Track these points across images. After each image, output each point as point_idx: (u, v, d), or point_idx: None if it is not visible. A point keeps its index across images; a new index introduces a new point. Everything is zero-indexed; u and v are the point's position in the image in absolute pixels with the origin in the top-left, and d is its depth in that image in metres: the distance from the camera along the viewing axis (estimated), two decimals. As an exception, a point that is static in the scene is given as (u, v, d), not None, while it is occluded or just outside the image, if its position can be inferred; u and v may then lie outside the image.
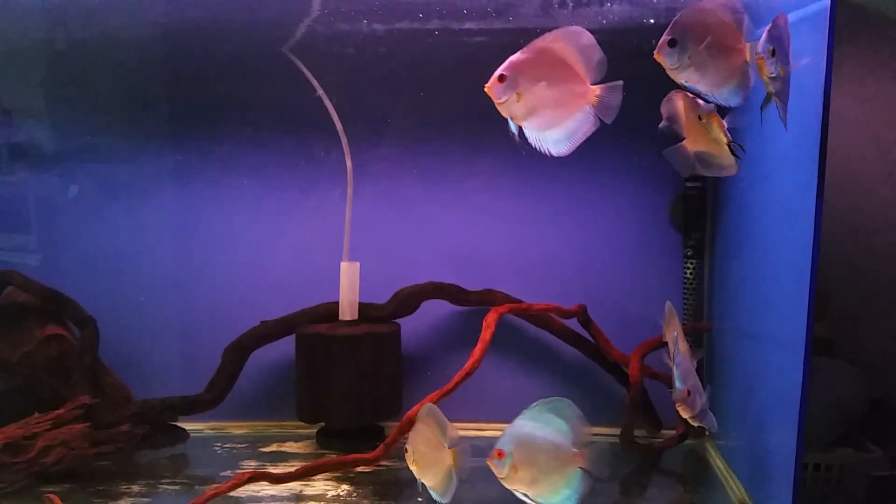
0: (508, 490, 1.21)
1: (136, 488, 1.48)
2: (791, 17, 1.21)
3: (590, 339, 1.72)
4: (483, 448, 1.74)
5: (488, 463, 1.19)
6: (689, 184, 1.72)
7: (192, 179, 1.82)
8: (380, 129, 1.77)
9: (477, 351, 1.50)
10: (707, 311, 1.74)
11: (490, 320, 1.54)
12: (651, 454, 1.62)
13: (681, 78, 1.11)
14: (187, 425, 1.71)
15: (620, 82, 1.13)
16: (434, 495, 1.26)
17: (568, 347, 1.77)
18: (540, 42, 1.13)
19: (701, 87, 1.12)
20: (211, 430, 1.80)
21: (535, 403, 1.21)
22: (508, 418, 1.90)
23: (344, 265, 1.72)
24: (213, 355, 1.73)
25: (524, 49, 1.13)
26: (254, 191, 1.81)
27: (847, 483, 1.45)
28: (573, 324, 1.73)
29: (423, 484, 1.27)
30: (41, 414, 1.57)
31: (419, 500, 1.39)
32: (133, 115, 1.82)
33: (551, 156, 1.15)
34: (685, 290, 1.74)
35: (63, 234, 1.83)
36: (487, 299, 1.74)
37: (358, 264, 1.73)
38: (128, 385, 1.75)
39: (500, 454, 1.17)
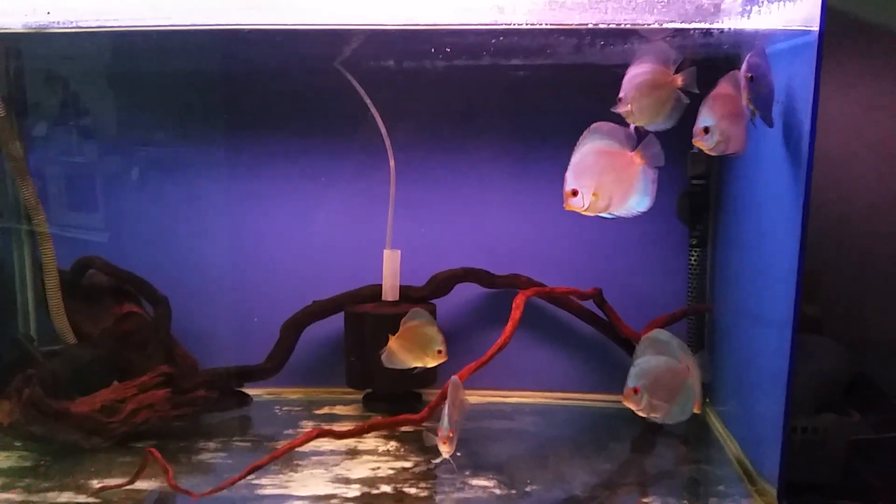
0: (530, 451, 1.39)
1: (212, 445, 1.69)
2: (782, 45, 1.40)
3: (604, 317, 1.90)
4: (508, 412, 1.99)
5: None
6: (694, 181, 1.87)
7: (249, 171, 1.97)
8: (421, 139, 1.93)
9: (508, 328, 1.69)
10: (709, 295, 1.91)
11: (519, 301, 1.73)
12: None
13: (717, 152, 1.33)
14: (248, 391, 1.91)
15: (652, 135, 1.32)
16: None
17: (584, 325, 1.95)
18: (581, 148, 1.32)
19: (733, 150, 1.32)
20: (269, 395, 1.98)
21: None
22: (531, 387, 2.13)
23: (387, 252, 1.89)
24: (266, 331, 1.91)
25: (574, 156, 1.33)
26: (307, 184, 1.98)
27: (830, 444, 1.59)
28: (589, 304, 1.91)
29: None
30: (121, 382, 1.78)
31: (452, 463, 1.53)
32: (195, 107, 1.96)
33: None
34: (690, 276, 1.92)
35: (131, 216, 1.99)
36: (513, 283, 1.91)
37: (399, 251, 1.89)
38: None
39: (637, 391, 1.37)
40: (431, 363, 1.54)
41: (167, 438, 1.70)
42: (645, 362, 1.39)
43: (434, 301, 1.94)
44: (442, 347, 1.53)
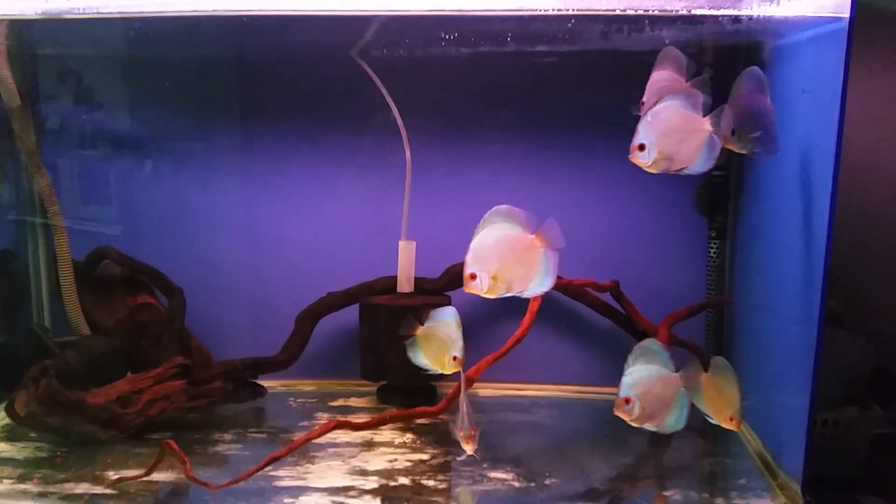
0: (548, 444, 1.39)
1: (227, 436, 1.69)
2: (811, 33, 1.38)
3: (620, 310, 1.88)
4: (525, 405, 1.97)
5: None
6: (714, 172, 1.85)
7: (264, 162, 1.97)
8: (436, 129, 1.91)
9: (526, 320, 1.68)
10: (728, 288, 1.89)
11: (537, 293, 1.72)
12: (676, 412, 1.82)
13: (655, 171, 1.31)
14: (263, 383, 1.90)
15: (552, 219, 1.33)
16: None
17: (600, 318, 1.93)
18: (481, 231, 1.33)
19: (674, 168, 1.31)
20: (282, 386, 1.98)
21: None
22: (548, 380, 2.11)
23: (402, 244, 1.88)
24: (278, 322, 1.90)
25: (474, 240, 1.33)
26: (321, 176, 1.97)
27: (852, 438, 1.59)
28: (606, 297, 1.89)
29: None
30: (134, 373, 1.77)
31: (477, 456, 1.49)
32: (210, 98, 1.95)
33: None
34: (709, 269, 1.90)
35: (145, 208, 1.99)
36: (529, 274, 1.92)
37: (414, 243, 1.88)
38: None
39: (628, 400, 1.37)
40: (447, 369, 1.48)
41: (182, 430, 1.70)
42: (636, 372, 1.38)
43: (449, 293, 1.92)
44: (459, 354, 1.48)
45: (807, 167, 1.42)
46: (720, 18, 1.34)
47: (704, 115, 1.30)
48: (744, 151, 1.35)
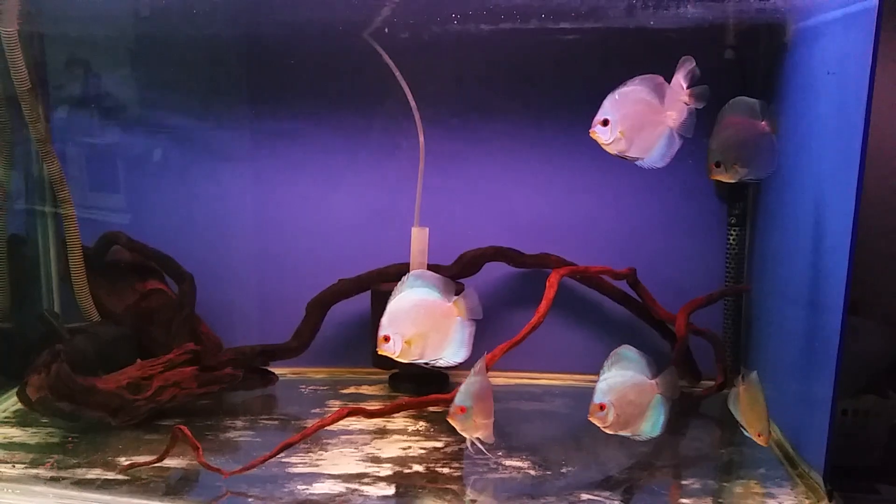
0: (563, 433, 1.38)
1: (239, 423, 1.67)
2: (838, 13, 1.34)
3: (637, 298, 1.86)
4: (538, 394, 1.95)
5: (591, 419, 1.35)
6: None
7: (274, 147, 1.94)
8: (450, 112, 1.88)
9: (542, 307, 1.65)
10: (747, 275, 1.87)
11: (553, 280, 1.69)
12: (693, 402, 1.80)
13: (613, 150, 1.30)
14: (273, 370, 1.88)
15: (471, 289, 1.37)
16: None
17: (615, 306, 1.91)
18: (399, 294, 1.34)
19: (630, 154, 1.30)
20: (293, 374, 1.97)
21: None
22: (562, 369, 2.09)
23: (415, 230, 1.85)
24: (289, 309, 1.88)
25: (391, 302, 1.33)
26: (332, 160, 1.94)
27: (872, 427, 1.58)
28: (621, 284, 1.86)
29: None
30: (143, 360, 1.76)
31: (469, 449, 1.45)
32: (220, 84, 1.93)
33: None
34: (727, 256, 1.87)
35: (156, 196, 1.97)
36: (543, 262, 1.88)
37: (427, 229, 1.85)
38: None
39: (602, 407, 1.35)
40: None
41: (193, 416, 1.69)
42: (611, 378, 1.37)
43: (462, 280, 1.89)
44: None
45: (831, 152, 1.39)
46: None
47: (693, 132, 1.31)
48: (731, 181, 1.35)
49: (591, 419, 1.36)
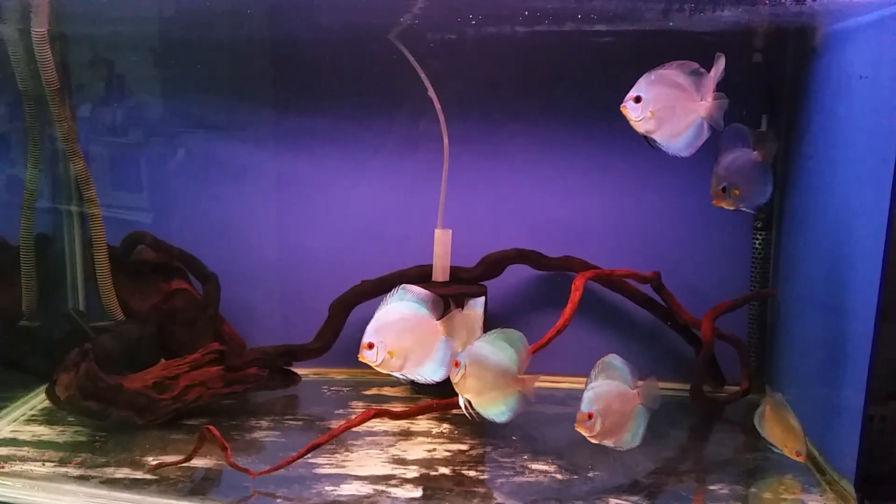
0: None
1: (264, 423, 1.68)
2: (871, 17, 1.33)
3: (661, 302, 1.85)
4: (560, 398, 1.93)
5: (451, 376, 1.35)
6: None
7: (298, 149, 1.94)
8: (475, 114, 1.88)
9: (567, 310, 1.65)
10: (773, 280, 1.85)
11: (578, 283, 1.68)
12: (717, 407, 1.79)
13: (641, 128, 1.28)
14: (296, 370, 1.88)
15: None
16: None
17: (639, 310, 1.89)
18: (386, 305, 1.35)
19: (658, 136, 1.29)
20: (315, 374, 1.97)
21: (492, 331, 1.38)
22: (585, 373, 2.08)
23: (438, 232, 1.85)
24: (312, 310, 1.88)
25: (379, 310, 1.34)
26: (356, 161, 1.94)
27: None
28: (645, 288, 1.85)
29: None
30: (167, 359, 1.77)
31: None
32: (244, 85, 1.93)
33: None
34: (753, 260, 1.86)
35: (180, 195, 1.98)
36: (566, 265, 1.87)
37: (450, 231, 1.85)
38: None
39: (457, 363, 1.34)
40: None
41: (218, 416, 1.70)
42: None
43: (485, 283, 1.90)
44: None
45: (863, 154, 1.38)
46: (782, 1, 1.30)
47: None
48: (731, 208, 1.36)
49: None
